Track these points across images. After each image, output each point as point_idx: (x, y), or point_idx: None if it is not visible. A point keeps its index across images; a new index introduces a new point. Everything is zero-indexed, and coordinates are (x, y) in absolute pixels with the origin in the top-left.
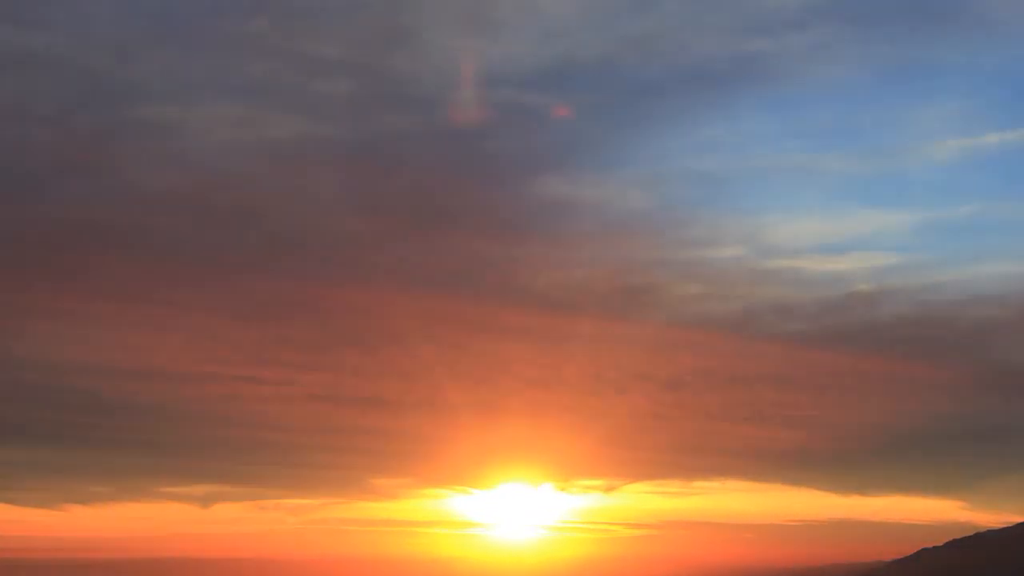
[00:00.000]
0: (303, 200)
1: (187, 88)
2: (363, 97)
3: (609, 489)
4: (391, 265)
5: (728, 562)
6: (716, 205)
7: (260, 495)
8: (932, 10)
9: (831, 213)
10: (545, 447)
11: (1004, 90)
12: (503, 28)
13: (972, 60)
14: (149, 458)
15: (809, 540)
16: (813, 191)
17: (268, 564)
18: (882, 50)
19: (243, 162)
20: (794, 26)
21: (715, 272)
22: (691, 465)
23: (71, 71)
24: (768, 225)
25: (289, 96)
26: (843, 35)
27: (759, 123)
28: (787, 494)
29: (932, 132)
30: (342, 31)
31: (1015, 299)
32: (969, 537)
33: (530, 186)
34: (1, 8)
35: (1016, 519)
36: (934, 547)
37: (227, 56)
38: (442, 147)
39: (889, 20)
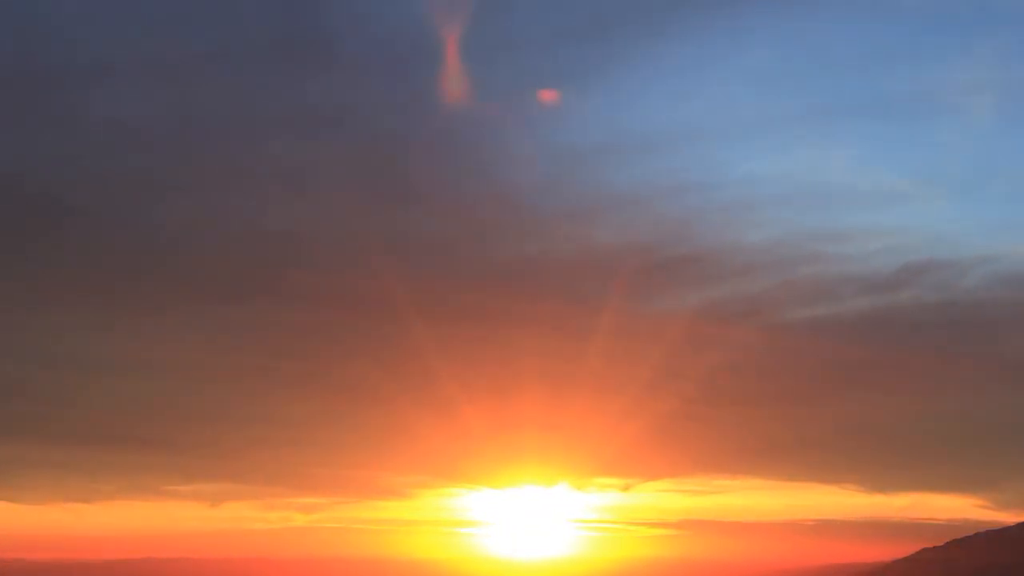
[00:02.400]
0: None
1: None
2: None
3: (626, 488)
4: (397, 250)
5: (743, 562)
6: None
7: (270, 493)
8: None
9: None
10: (561, 444)
11: None
12: None
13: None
14: (156, 455)
15: (830, 539)
16: (837, 153)
17: (278, 564)
18: None
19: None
20: None
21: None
22: (711, 463)
23: None
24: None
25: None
26: None
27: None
28: (810, 492)
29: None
30: None
31: None
32: (969, 536)
33: (531, 140)
34: None
35: None
36: (934, 547)
37: None
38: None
39: None
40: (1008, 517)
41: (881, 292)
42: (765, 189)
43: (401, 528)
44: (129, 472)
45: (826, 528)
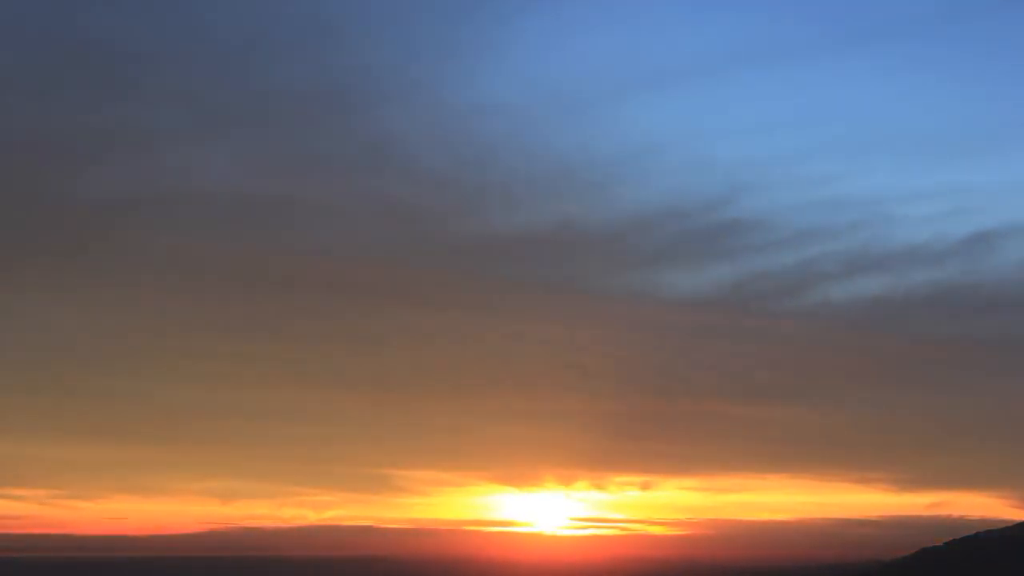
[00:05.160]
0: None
1: None
2: None
3: (646, 486)
4: (413, 242)
5: (760, 561)
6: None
7: (282, 491)
8: None
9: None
10: (580, 443)
11: None
12: None
13: None
14: (167, 452)
15: (843, 537)
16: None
17: (289, 562)
18: None
19: None
20: None
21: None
22: (726, 462)
23: None
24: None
25: None
26: None
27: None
28: (837, 491)
29: None
30: None
31: None
32: (970, 537)
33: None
34: None
35: None
36: (934, 547)
37: None
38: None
39: None
40: None
41: (937, 266)
42: (801, 139)
43: (416, 527)
44: (140, 470)
45: (850, 527)
